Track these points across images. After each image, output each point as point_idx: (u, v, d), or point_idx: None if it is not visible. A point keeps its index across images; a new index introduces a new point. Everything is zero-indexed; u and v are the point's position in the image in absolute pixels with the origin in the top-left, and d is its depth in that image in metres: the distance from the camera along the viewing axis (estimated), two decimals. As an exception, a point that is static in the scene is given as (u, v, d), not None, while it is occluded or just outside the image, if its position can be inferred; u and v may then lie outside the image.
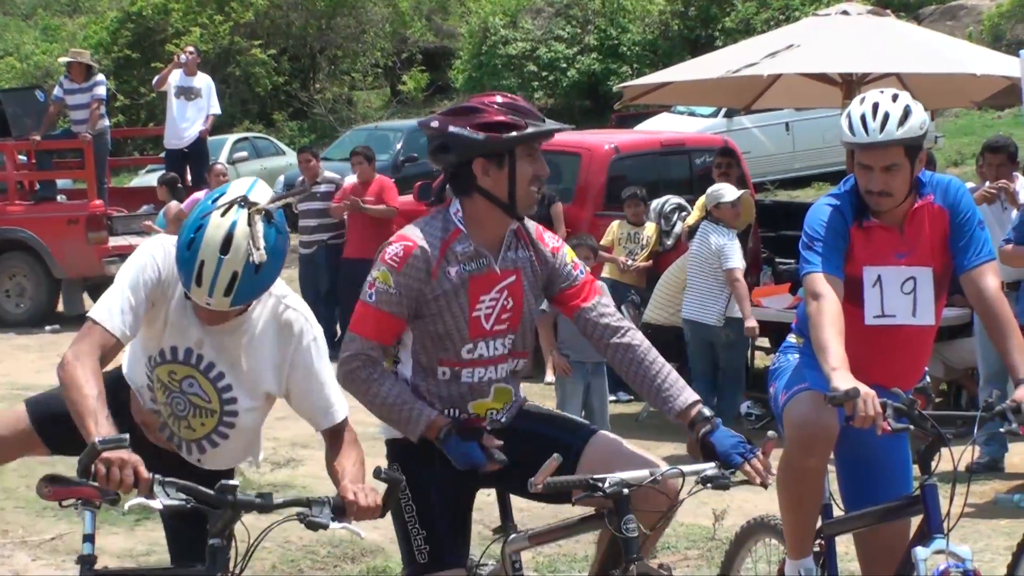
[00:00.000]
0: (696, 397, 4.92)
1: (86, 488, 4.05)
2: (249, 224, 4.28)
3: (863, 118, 5.21)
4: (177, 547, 4.87)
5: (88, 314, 4.58)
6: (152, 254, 4.60)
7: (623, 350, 5.03)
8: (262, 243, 4.30)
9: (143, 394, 4.82)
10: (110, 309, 4.46)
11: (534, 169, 4.85)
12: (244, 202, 4.33)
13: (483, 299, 4.94)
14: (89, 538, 4.49)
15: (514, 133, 4.74)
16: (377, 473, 4.44)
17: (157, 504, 4.09)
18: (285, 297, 4.69)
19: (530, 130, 4.78)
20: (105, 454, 3.92)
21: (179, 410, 4.75)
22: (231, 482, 4.27)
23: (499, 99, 4.89)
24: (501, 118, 4.77)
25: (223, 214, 4.31)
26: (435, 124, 4.96)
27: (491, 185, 4.82)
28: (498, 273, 4.95)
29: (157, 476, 4.06)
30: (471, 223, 4.91)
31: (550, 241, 5.11)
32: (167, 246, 4.60)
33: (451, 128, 4.84)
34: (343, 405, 4.72)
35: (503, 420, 5.05)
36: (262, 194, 4.44)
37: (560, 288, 5.08)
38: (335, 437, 4.67)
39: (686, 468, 4.68)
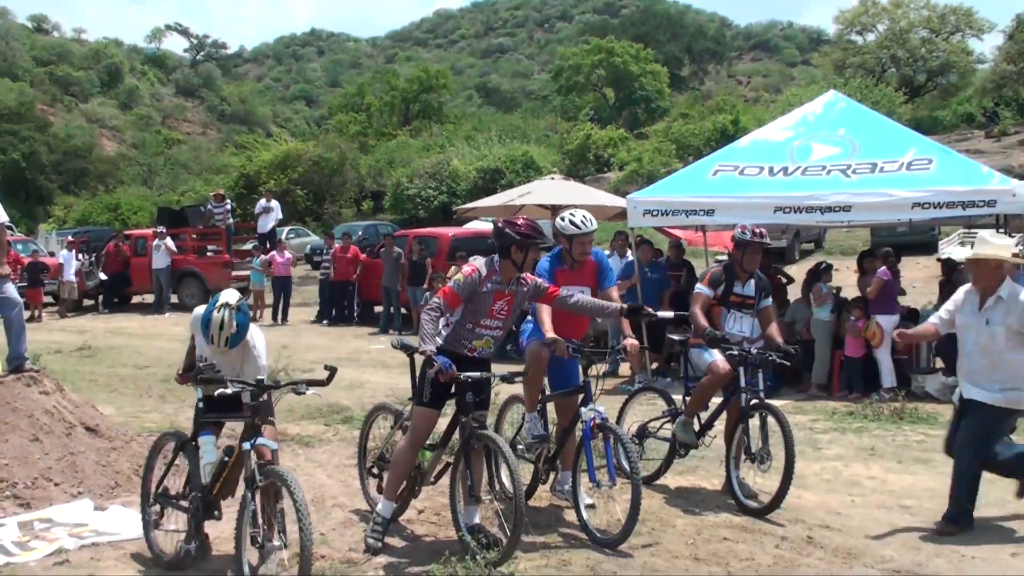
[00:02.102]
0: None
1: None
2: (227, 314, 5.41)
3: (582, 221, 6.47)
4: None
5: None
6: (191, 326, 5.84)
7: (572, 299, 6.16)
8: (234, 325, 5.44)
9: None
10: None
11: (534, 255, 5.95)
12: (225, 306, 5.44)
13: (498, 302, 5.91)
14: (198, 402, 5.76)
15: (530, 240, 5.82)
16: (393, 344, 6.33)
17: (230, 390, 5.30)
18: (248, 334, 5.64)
19: (536, 240, 5.84)
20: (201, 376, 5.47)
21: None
22: (261, 377, 5.43)
23: (528, 223, 5.93)
24: (528, 232, 5.82)
25: (218, 312, 5.43)
26: (499, 224, 5.91)
27: (516, 258, 5.84)
28: (506, 293, 5.91)
29: (231, 379, 5.34)
30: (501, 270, 5.89)
31: (533, 279, 6.06)
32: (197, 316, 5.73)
33: (506, 229, 5.85)
34: (266, 368, 5.70)
35: (485, 354, 5.99)
36: (232, 298, 5.54)
37: (541, 293, 6.05)
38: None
39: (496, 374, 5.88)
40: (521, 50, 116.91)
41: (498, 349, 6.27)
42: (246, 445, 5.22)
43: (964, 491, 6.23)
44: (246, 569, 5.10)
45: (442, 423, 6.22)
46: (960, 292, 6.46)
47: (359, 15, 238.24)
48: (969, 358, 6.24)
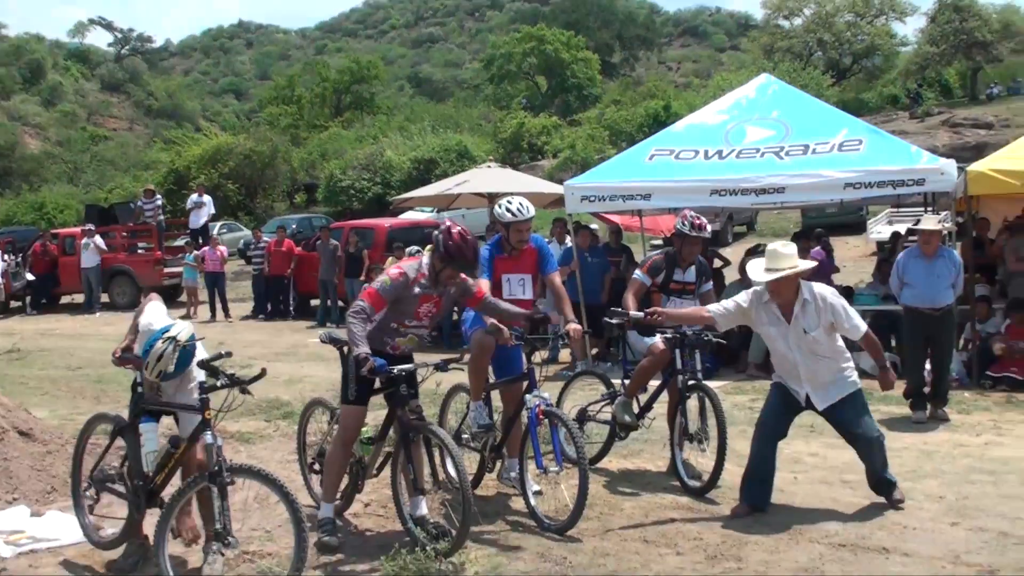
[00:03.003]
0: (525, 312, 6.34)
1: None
2: (170, 350, 5.14)
3: (518, 208, 6.48)
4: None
5: None
6: None
7: (501, 307, 6.09)
8: (173, 363, 5.17)
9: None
10: None
11: (459, 273, 5.76)
12: (172, 340, 5.15)
13: (424, 304, 5.80)
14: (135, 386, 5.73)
15: (451, 263, 5.64)
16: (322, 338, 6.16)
17: (220, 384, 5.14)
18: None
19: (460, 264, 5.65)
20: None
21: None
22: (232, 372, 5.17)
23: (460, 242, 5.63)
24: (453, 254, 5.60)
25: (163, 343, 5.13)
26: (438, 231, 5.74)
27: (438, 268, 5.70)
28: (434, 296, 5.80)
29: (224, 371, 5.14)
30: (428, 273, 5.75)
31: (462, 279, 5.85)
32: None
33: (440, 238, 5.65)
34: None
35: (408, 351, 5.93)
36: (184, 334, 5.22)
37: (469, 295, 5.95)
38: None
39: (429, 363, 5.78)
40: (452, 39, 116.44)
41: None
42: (208, 439, 5.06)
43: (879, 464, 6.36)
44: (166, 565, 5.05)
45: (380, 415, 6.18)
46: (745, 297, 6.40)
47: (287, 6, 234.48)
48: (808, 368, 6.21)
